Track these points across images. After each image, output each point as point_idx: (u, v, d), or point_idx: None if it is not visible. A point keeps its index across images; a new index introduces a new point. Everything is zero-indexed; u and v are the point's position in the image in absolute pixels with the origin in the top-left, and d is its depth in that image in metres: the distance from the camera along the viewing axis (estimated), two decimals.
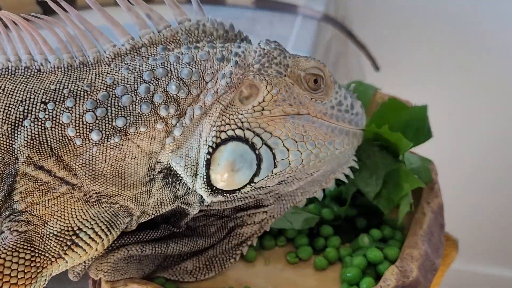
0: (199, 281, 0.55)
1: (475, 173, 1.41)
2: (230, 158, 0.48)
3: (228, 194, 0.50)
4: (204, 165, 0.48)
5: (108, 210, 0.49)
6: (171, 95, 0.49)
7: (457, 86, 1.36)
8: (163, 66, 0.50)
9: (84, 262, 0.50)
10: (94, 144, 0.48)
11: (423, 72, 1.36)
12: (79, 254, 0.48)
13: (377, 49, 1.26)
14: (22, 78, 0.50)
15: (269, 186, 0.51)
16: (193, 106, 0.49)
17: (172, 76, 0.49)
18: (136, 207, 0.50)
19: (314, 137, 0.50)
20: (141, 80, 0.49)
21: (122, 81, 0.49)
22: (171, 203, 0.51)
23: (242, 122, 0.48)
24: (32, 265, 0.45)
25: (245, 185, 0.49)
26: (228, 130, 0.48)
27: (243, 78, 0.49)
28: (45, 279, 0.47)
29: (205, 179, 0.48)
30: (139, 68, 0.50)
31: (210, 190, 0.49)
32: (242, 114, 0.49)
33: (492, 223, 1.42)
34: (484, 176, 1.41)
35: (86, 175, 0.48)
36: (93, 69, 0.50)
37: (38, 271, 0.46)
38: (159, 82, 0.49)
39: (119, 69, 0.50)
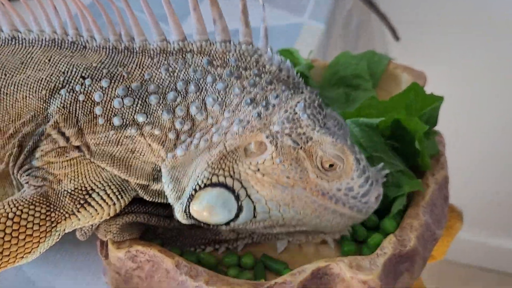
0: None
1: (484, 146, 1.40)
2: (212, 202, 0.49)
3: (201, 224, 0.51)
4: (188, 197, 0.50)
5: (118, 176, 0.51)
6: (191, 114, 0.49)
7: (476, 63, 1.33)
8: (197, 83, 0.50)
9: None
10: (112, 128, 0.50)
11: (443, 45, 1.34)
12: (91, 214, 0.50)
13: (398, 19, 1.25)
14: (67, 51, 0.52)
15: (246, 228, 0.52)
16: (203, 134, 0.49)
17: (199, 96, 0.49)
18: (140, 190, 0.52)
19: (300, 207, 0.50)
20: (173, 87, 0.50)
21: (157, 80, 0.50)
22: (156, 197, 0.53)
23: (234, 172, 0.49)
24: (47, 219, 0.48)
25: (221, 225, 0.50)
26: (220, 175, 0.49)
27: (256, 133, 0.49)
28: (59, 234, 0.50)
29: (184, 207, 0.50)
30: (177, 73, 0.50)
31: (186, 216, 0.50)
32: (238, 165, 0.49)
33: (501, 195, 1.42)
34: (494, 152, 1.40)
35: (97, 152, 0.50)
36: (136, 57, 0.51)
37: (53, 225, 0.48)
38: (187, 97, 0.50)
39: (160, 66, 0.50)
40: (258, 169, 0.49)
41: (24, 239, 0.47)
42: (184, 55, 0.51)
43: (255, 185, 0.49)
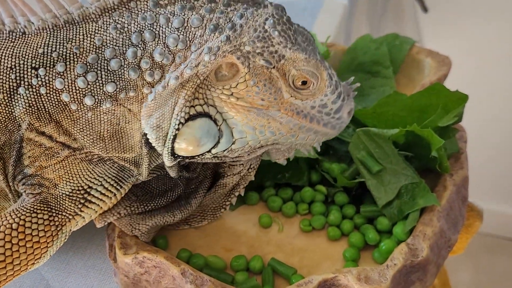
0: (210, 246, 0.57)
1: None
2: (197, 134, 0.47)
3: (187, 159, 0.50)
4: (171, 138, 0.48)
5: (113, 166, 0.50)
6: (157, 61, 0.47)
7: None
8: (151, 29, 0.47)
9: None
10: (88, 109, 0.48)
11: (472, 18, 1.27)
12: (95, 210, 0.50)
13: None
14: (8, 43, 0.48)
15: (229, 156, 0.51)
16: (171, 73, 0.47)
17: (159, 41, 0.47)
18: (135, 169, 0.51)
19: (276, 128, 0.49)
20: (129, 43, 0.47)
21: (111, 43, 0.48)
22: (158, 159, 0.51)
23: (208, 99, 0.47)
24: (51, 224, 0.48)
25: (205, 153, 0.49)
26: (197, 105, 0.47)
27: (227, 56, 0.46)
28: (65, 235, 0.49)
29: (169, 149, 0.48)
30: (127, 27, 0.48)
31: (172, 158, 0.49)
32: (211, 90, 0.47)
33: None
34: None
35: (85, 139, 0.48)
36: (80, 27, 0.48)
37: (58, 229, 0.48)
38: (146, 47, 0.47)
39: (107, 27, 0.48)
40: (232, 93, 0.47)
41: (32, 246, 0.47)
42: (127, 6, 0.48)
43: (230, 111, 0.48)
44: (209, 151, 0.49)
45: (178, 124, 0.47)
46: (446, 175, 0.57)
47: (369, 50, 0.76)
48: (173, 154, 0.49)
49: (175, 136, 0.48)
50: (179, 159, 0.50)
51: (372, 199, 0.57)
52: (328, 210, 0.59)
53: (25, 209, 0.47)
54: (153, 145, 0.49)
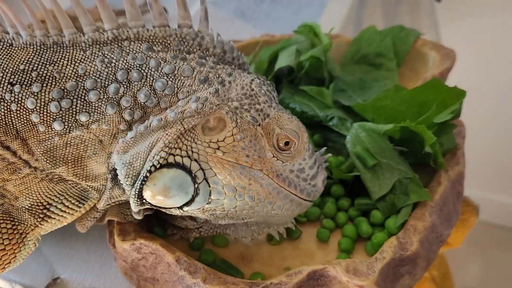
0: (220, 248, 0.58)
1: None
2: (168, 184, 0.46)
3: (154, 208, 0.49)
4: (141, 179, 0.47)
5: (75, 186, 0.50)
6: (139, 102, 0.46)
7: None
8: (140, 69, 0.47)
9: (94, 216, 0.53)
10: (56, 133, 0.47)
11: (487, 8, 1.24)
12: (55, 223, 0.50)
13: None
14: None
15: (198, 217, 0.50)
16: (154, 116, 0.46)
17: (145, 83, 0.46)
18: (96, 194, 0.51)
19: (255, 192, 0.48)
20: (113, 78, 0.46)
21: (94, 74, 0.47)
22: (120, 197, 0.51)
23: (193, 152, 0.46)
24: (15, 232, 0.49)
25: (174, 208, 0.48)
26: (177, 155, 0.46)
27: (215, 109, 0.46)
28: (34, 242, 0.50)
29: (136, 192, 0.47)
30: (115, 63, 0.47)
31: (139, 201, 0.48)
32: (197, 143, 0.46)
33: None
34: None
35: (48, 161, 0.48)
36: (66, 52, 0.47)
37: (23, 236, 0.49)
38: (131, 86, 0.46)
39: (94, 58, 0.47)
40: (218, 147, 0.46)
41: None
42: (120, 43, 0.48)
43: (214, 166, 0.46)
44: (181, 207, 0.47)
45: (151, 167, 0.46)
46: (442, 171, 0.58)
47: (373, 41, 0.76)
48: (140, 197, 0.47)
49: (145, 178, 0.46)
50: (145, 206, 0.49)
51: (367, 193, 0.58)
52: (323, 202, 0.60)
53: None
54: (121, 182, 0.48)
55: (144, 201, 0.48)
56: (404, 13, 1.16)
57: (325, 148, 0.55)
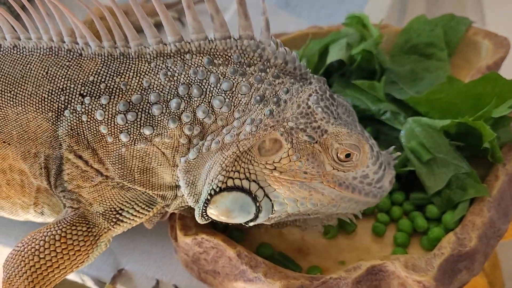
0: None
1: None
2: (230, 206, 0.47)
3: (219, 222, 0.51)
4: (204, 201, 0.48)
5: (143, 193, 0.52)
6: (198, 118, 0.48)
7: None
8: (200, 85, 0.47)
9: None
10: (123, 145, 0.49)
11: None
12: (127, 226, 0.54)
13: None
14: (64, 61, 0.50)
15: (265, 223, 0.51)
16: (214, 136, 0.47)
17: (204, 100, 0.47)
18: (162, 201, 0.53)
19: (318, 199, 0.48)
20: (175, 93, 0.48)
21: (158, 88, 0.48)
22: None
23: (250, 174, 0.47)
24: (89, 235, 0.52)
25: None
26: (236, 178, 0.47)
27: (270, 131, 0.46)
28: (105, 243, 0.54)
29: (200, 211, 0.49)
30: (177, 77, 0.48)
31: (203, 219, 0.50)
32: (253, 165, 0.47)
33: None
34: None
35: (116, 172, 0.50)
36: (132, 63, 0.49)
37: (96, 238, 0.52)
38: (191, 101, 0.48)
39: (158, 71, 0.48)
40: (275, 168, 0.47)
41: (74, 254, 0.51)
42: (183, 56, 0.48)
43: (273, 184, 0.48)
44: (246, 223, 0.49)
45: (211, 190, 0.48)
46: (499, 165, 0.57)
47: (423, 31, 0.75)
48: (205, 215, 0.49)
49: (207, 201, 0.48)
50: (210, 220, 0.51)
51: (421, 187, 0.58)
52: None
53: (66, 223, 0.51)
54: (185, 197, 0.50)
55: (208, 218, 0.50)
56: (449, 1, 1.13)
57: (393, 147, 0.55)
